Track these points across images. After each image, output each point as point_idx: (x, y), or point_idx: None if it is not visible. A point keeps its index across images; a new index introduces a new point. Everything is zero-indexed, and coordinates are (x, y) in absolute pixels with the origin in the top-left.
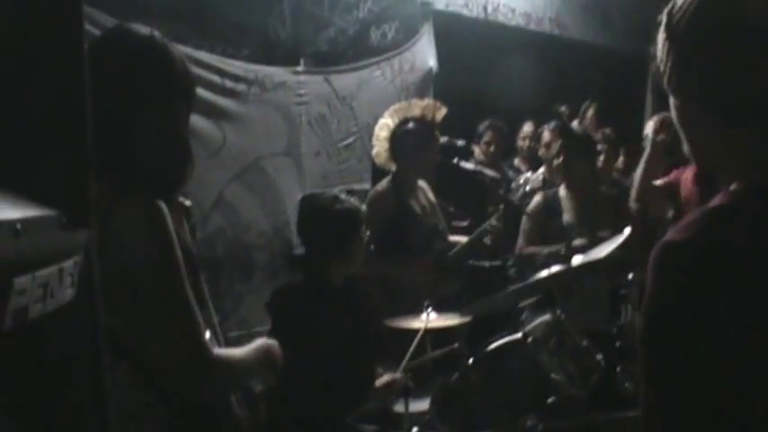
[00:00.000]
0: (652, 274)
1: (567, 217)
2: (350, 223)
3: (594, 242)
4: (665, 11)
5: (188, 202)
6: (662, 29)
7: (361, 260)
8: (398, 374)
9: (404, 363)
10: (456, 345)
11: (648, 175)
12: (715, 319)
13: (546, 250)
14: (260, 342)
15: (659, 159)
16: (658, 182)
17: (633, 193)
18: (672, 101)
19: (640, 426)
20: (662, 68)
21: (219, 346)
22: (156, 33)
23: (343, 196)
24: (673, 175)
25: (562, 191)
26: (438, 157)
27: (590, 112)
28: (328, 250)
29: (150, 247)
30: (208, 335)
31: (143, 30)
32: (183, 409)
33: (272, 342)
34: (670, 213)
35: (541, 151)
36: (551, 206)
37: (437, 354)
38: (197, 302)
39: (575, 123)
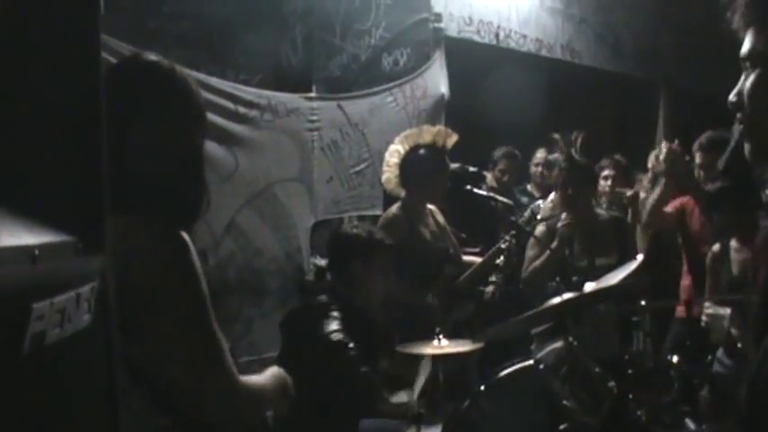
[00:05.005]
0: None
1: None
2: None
3: (594, 271)
4: None
5: None
6: None
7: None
8: (413, 398)
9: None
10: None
11: (662, 203)
12: None
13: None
14: (275, 370)
15: (673, 188)
16: (669, 208)
17: (645, 218)
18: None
19: None
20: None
21: None
22: (164, 60)
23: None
24: (678, 203)
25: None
26: (448, 184)
27: (579, 142)
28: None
29: (176, 276)
30: None
31: (151, 57)
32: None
33: (284, 372)
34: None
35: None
36: (554, 237)
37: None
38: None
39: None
